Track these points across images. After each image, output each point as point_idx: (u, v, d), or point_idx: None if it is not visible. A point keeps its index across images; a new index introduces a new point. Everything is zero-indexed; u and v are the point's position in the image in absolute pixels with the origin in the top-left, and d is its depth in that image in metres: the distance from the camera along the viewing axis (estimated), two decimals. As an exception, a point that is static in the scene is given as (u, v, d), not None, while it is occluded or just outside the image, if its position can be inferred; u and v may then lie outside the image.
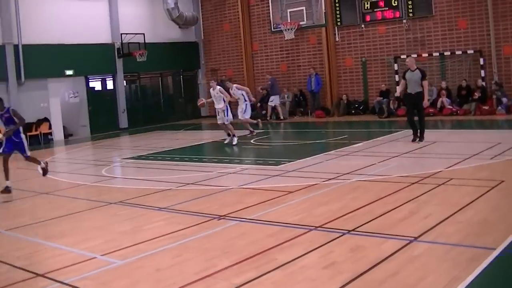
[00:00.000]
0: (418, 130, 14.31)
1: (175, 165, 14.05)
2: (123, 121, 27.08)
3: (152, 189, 10.87)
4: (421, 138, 14.27)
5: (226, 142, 17.21)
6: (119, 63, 26.79)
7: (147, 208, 9.25)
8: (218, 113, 17.21)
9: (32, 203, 10.90)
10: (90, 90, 26.28)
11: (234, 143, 16.75)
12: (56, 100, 24.55)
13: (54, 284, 5.83)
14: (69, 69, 24.70)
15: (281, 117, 25.27)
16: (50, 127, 23.93)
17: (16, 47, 22.93)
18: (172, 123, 27.40)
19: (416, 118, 14.43)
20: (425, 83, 14.21)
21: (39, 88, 23.71)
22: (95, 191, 11.49)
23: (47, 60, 23.64)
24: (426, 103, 14.52)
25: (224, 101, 16.97)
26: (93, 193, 11.18)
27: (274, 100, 25.65)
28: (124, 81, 27.40)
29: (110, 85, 27.24)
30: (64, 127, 25.06)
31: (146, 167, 14.26)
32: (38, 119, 23.59)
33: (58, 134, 24.43)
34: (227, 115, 16.93)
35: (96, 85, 27.05)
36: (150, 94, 29.14)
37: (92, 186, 12.11)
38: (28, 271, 6.31)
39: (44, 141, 23.28)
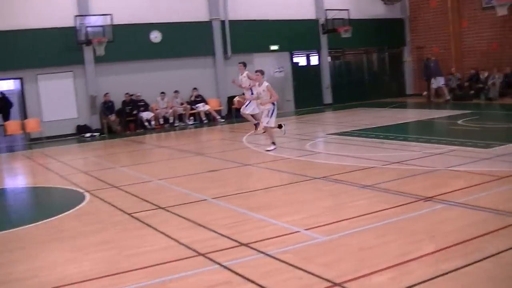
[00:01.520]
0: None
1: (379, 143, 13.87)
2: (327, 97, 27.39)
3: (355, 166, 10.82)
4: None
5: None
6: (324, 39, 27.04)
7: (350, 185, 9.22)
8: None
9: (236, 173, 11.43)
10: (295, 65, 26.89)
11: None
12: (261, 75, 25.46)
13: (257, 254, 6.01)
14: (274, 44, 25.47)
15: (447, 98, 24.46)
16: (256, 101, 24.91)
17: (222, 23, 24.20)
18: (376, 100, 27.06)
19: None
20: None
21: (245, 63, 24.76)
22: (299, 165, 11.72)
23: (252, 36, 24.62)
24: None
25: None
26: (296, 167, 11.41)
27: (437, 81, 24.95)
28: (329, 57, 27.59)
29: (314, 60, 27.63)
30: (269, 101, 25.92)
31: (350, 144, 14.23)
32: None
33: (263, 108, 25.38)
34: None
35: (301, 60, 27.56)
36: (354, 70, 29.05)
37: (296, 160, 12.38)
38: (232, 239, 6.60)
39: (251, 115, 24.30)
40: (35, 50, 20.74)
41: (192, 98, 23.62)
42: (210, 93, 24.18)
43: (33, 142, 20.98)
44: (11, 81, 23.64)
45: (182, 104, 23.43)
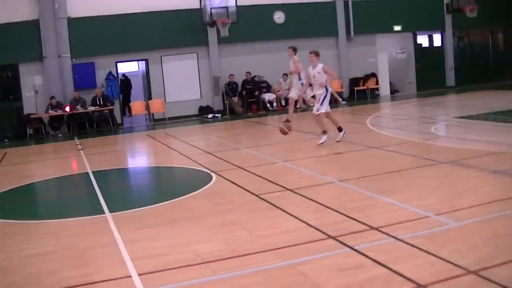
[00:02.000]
0: None
1: (508, 127, 13.27)
2: (450, 79, 26.46)
3: (484, 150, 10.41)
4: None
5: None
6: (448, 18, 26.05)
7: (480, 170, 8.89)
8: None
9: (362, 156, 11.31)
10: (418, 47, 26.17)
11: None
12: (383, 56, 25.06)
13: (388, 239, 5.95)
14: (397, 24, 24.90)
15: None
16: (377, 83, 24.55)
17: (346, 3, 23.97)
18: (503, 82, 25.79)
19: None
20: None
21: (367, 44, 24.46)
22: (424, 148, 11.42)
23: (375, 16, 24.18)
24: None
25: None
26: (422, 151, 11.11)
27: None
28: (452, 38, 26.58)
29: (437, 41, 26.72)
30: (390, 83, 25.48)
31: (477, 127, 13.70)
32: (365, 74, 24.43)
33: (384, 89, 25.00)
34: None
35: (424, 41, 26.77)
36: (478, 51, 27.77)
37: (422, 143, 12.10)
38: (362, 223, 6.56)
39: (371, 96, 24.01)
40: (160, 32, 21.54)
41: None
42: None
43: (157, 122, 21.86)
44: (135, 63, 24.78)
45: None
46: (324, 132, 12.65)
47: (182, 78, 22.36)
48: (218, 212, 7.81)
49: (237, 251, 6.00)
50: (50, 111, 20.21)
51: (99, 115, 20.78)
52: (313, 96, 13.20)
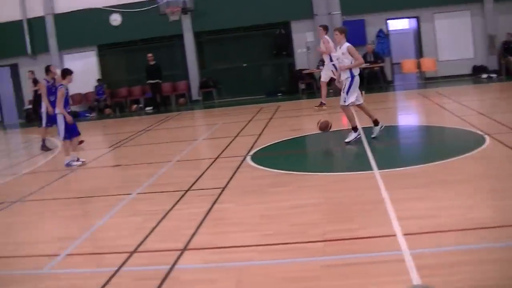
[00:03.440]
0: None
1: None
2: None
3: None
4: None
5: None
6: None
7: None
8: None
9: None
10: None
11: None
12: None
13: None
14: None
15: None
16: None
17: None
18: None
19: None
20: None
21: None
22: None
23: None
24: None
25: None
26: None
27: None
28: None
29: None
30: None
31: None
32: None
33: None
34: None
35: None
36: None
37: None
38: None
39: None
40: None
41: None
42: None
43: (428, 81, 21.14)
44: (405, 20, 24.18)
45: None
46: (354, 129, 10.42)
47: (455, 36, 21.22)
48: (491, 177, 7.27)
49: (509, 221, 5.48)
50: (321, 67, 20.73)
51: (370, 72, 20.78)
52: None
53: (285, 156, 10.41)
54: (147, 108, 22.20)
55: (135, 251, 5.74)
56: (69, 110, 11.34)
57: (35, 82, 21.08)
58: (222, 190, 7.83)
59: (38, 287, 5.19)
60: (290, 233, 5.80)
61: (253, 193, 7.63)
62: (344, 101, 10.29)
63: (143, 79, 21.98)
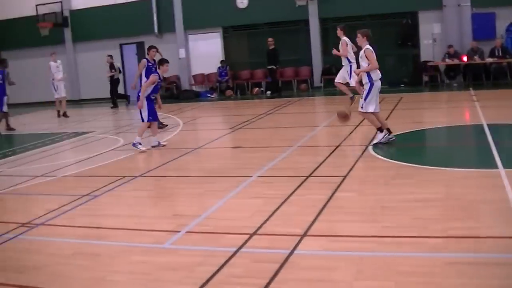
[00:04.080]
0: None
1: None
2: None
3: None
4: None
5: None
6: None
7: None
8: None
9: None
10: None
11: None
12: None
13: None
14: None
15: None
16: None
17: None
18: None
19: None
20: None
21: None
22: None
23: None
24: None
25: None
26: None
27: None
28: None
29: None
30: None
31: None
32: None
33: None
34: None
35: None
36: None
37: None
38: None
39: None
40: None
41: None
42: None
43: None
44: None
45: None
46: (380, 129, 10.03)
47: None
48: None
49: None
50: (446, 60, 20.16)
51: (497, 67, 19.91)
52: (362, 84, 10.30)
53: (408, 148, 10.26)
54: (268, 92, 22.53)
55: (254, 233, 5.91)
56: (153, 97, 11.76)
57: (112, 67, 22.02)
58: (343, 179, 7.87)
59: (158, 261, 5.43)
60: (411, 226, 5.76)
61: (375, 183, 7.62)
62: (362, 107, 10.01)
63: (265, 63, 22.32)
